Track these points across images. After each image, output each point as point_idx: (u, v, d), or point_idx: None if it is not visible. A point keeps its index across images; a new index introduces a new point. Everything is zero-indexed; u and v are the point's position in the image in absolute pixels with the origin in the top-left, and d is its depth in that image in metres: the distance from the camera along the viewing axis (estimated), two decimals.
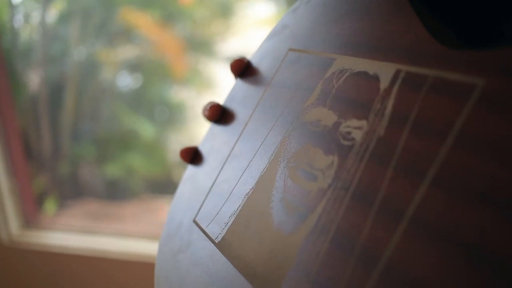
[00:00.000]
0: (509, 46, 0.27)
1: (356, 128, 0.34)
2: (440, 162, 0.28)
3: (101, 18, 1.61)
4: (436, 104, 0.30)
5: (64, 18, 1.63)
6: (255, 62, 0.50)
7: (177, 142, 1.68)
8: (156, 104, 1.68)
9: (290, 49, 0.45)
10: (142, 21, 1.59)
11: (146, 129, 1.62)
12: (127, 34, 1.63)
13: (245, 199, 0.41)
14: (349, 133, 0.35)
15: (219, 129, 0.50)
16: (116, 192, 1.69)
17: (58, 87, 1.64)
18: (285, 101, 0.43)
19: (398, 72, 0.33)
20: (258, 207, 0.39)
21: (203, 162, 0.50)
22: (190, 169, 0.52)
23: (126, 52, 1.66)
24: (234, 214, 0.42)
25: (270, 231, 0.37)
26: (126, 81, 1.70)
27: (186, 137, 1.68)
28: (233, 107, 0.50)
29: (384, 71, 0.34)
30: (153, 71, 1.66)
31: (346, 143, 0.35)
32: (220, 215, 0.43)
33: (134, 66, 1.66)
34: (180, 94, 1.68)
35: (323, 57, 0.41)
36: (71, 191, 1.70)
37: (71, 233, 1.54)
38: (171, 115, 1.70)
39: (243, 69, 0.51)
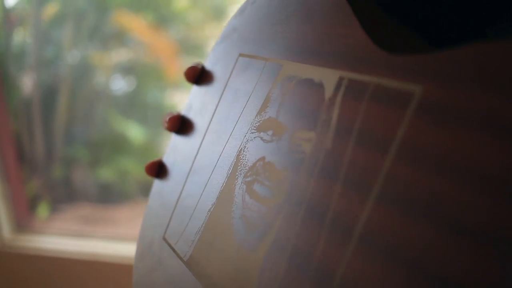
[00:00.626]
0: (447, 48, 0.26)
1: (305, 140, 0.33)
2: (384, 176, 0.27)
3: (94, 21, 1.60)
4: (378, 114, 0.29)
5: (57, 21, 1.63)
6: (209, 67, 0.48)
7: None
8: (149, 107, 1.67)
9: (240, 54, 0.44)
10: (135, 24, 1.59)
11: (135, 133, 1.61)
12: (120, 37, 1.62)
13: (208, 216, 0.40)
14: (299, 145, 0.33)
15: (180, 140, 0.48)
16: (109, 195, 1.69)
17: (51, 90, 1.64)
18: (238, 111, 0.41)
19: (341, 79, 0.32)
20: (220, 224, 0.38)
21: (168, 176, 0.48)
22: (157, 183, 0.50)
23: (120, 55, 1.66)
24: (199, 231, 0.40)
25: (233, 249, 0.36)
26: (120, 85, 1.69)
27: None
28: (191, 116, 0.48)
29: (328, 78, 0.33)
30: (146, 75, 1.66)
31: (297, 156, 0.33)
32: (187, 232, 0.42)
33: (127, 70, 1.66)
34: (174, 97, 1.68)
35: (271, 63, 0.39)
36: (64, 194, 1.70)
37: (64, 237, 1.53)
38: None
39: (197, 76, 0.49)
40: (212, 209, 0.40)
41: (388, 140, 0.27)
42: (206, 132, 0.45)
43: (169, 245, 0.44)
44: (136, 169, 1.64)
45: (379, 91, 0.29)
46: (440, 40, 0.36)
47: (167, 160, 0.49)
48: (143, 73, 1.66)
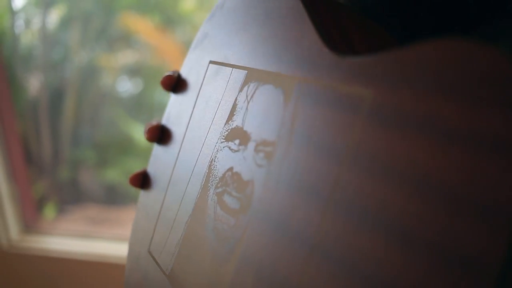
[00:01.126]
0: (395, 49, 0.25)
1: (267, 149, 0.33)
2: (338, 185, 0.26)
3: (101, 23, 1.60)
4: (332, 120, 0.28)
5: (64, 23, 1.63)
6: (184, 75, 0.47)
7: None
8: (155, 109, 1.67)
9: (211, 62, 0.43)
10: (142, 26, 1.59)
11: (141, 135, 1.61)
12: (127, 39, 1.63)
13: (185, 228, 0.39)
14: (262, 154, 0.33)
15: (160, 150, 0.48)
16: (115, 196, 1.69)
17: (58, 92, 1.64)
18: (209, 119, 0.41)
19: (298, 85, 0.32)
20: (196, 236, 0.38)
21: (152, 187, 0.47)
22: (142, 195, 0.49)
23: (126, 57, 1.66)
24: (178, 243, 0.40)
25: (207, 262, 0.36)
26: (126, 86, 1.69)
27: None
28: (170, 126, 0.47)
29: (286, 85, 0.33)
30: (152, 76, 1.66)
31: (260, 165, 0.33)
32: (168, 245, 0.41)
33: (134, 71, 1.66)
34: None
35: (237, 70, 0.39)
36: (71, 196, 1.70)
37: (70, 238, 1.53)
38: None
39: (174, 84, 0.48)
40: (188, 221, 0.39)
41: (342, 147, 0.27)
42: (182, 142, 0.44)
43: (154, 258, 0.43)
44: None
45: (332, 96, 0.28)
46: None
47: (151, 170, 0.48)
48: (150, 75, 1.66)
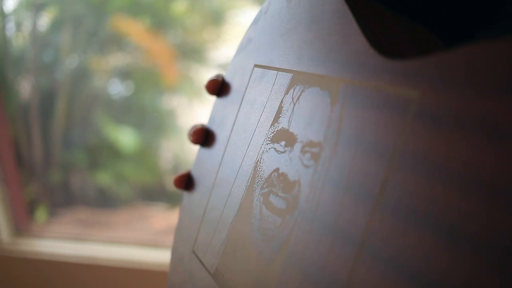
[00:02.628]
0: (444, 51, 0.26)
1: (314, 150, 0.33)
2: (386, 185, 0.27)
3: (92, 26, 1.60)
4: (379, 121, 0.28)
5: (55, 26, 1.63)
6: (228, 79, 0.48)
7: (168, 150, 1.68)
8: (147, 112, 1.67)
9: (255, 65, 0.44)
10: (133, 28, 1.59)
11: (127, 140, 1.61)
12: (118, 42, 1.62)
13: (230, 228, 0.40)
14: (308, 155, 0.34)
15: (204, 153, 0.49)
16: (107, 199, 1.69)
17: (50, 95, 1.64)
18: (255, 122, 0.41)
19: (344, 87, 0.32)
20: (241, 236, 0.39)
21: (195, 189, 0.48)
22: (186, 196, 0.50)
23: (117, 60, 1.66)
24: (223, 243, 0.41)
25: (252, 261, 0.36)
26: (118, 89, 1.69)
27: (177, 144, 1.67)
28: (214, 129, 0.48)
29: (333, 87, 0.33)
30: (144, 79, 1.65)
31: (307, 167, 0.33)
32: (213, 245, 0.42)
33: (125, 74, 1.65)
34: (171, 101, 1.68)
35: (282, 73, 0.40)
36: (62, 198, 1.69)
37: (62, 241, 1.53)
38: (162, 123, 1.69)
39: (218, 88, 0.49)
40: (233, 221, 0.40)
41: (389, 147, 0.27)
42: (227, 144, 0.45)
43: (198, 258, 0.44)
44: (133, 173, 1.65)
45: (379, 98, 0.29)
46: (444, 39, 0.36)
47: (195, 172, 0.50)
48: (141, 77, 1.66)
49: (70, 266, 1.44)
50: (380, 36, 0.33)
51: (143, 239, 1.48)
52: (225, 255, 0.40)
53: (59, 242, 1.52)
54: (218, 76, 0.49)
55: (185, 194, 0.50)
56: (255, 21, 0.46)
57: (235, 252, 0.39)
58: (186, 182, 0.50)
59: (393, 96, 0.28)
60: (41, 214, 1.67)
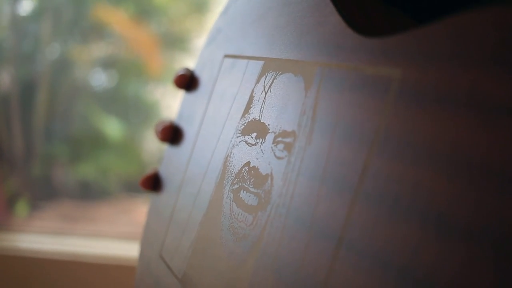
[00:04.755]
0: (422, 26, 0.24)
1: (287, 140, 0.31)
2: (366, 172, 0.25)
3: (73, 15, 1.58)
4: (359, 104, 0.26)
5: (35, 15, 1.60)
6: (197, 73, 0.46)
7: (152, 141, 1.66)
8: (131, 103, 1.66)
9: (226, 55, 0.42)
10: (115, 17, 1.57)
11: (113, 130, 1.59)
12: (100, 31, 1.60)
13: (199, 229, 0.38)
14: (281, 146, 0.32)
15: (172, 151, 0.46)
16: (90, 192, 1.67)
17: (30, 85, 1.61)
18: (225, 115, 0.39)
19: (320, 71, 0.30)
20: (210, 236, 0.36)
21: (163, 189, 0.46)
22: (153, 198, 0.48)
23: (100, 49, 1.64)
24: (191, 245, 0.38)
25: (223, 263, 0.34)
26: (100, 79, 1.68)
27: None
28: (183, 125, 0.46)
29: (307, 71, 0.31)
30: (127, 69, 1.64)
31: (279, 157, 0.31)
32: (181, 248, 0.40)
33: (108, 64, 1.64)
34: (156, 92, 1.66)
35: (253, 62, 0.38)
36: (44, 192, 1.67)
37: (44, 236, 1.51)
38: (147, 114, 1.67)
39: (187, 82, 0.47)
40: (202, 221, 0.38)
41: (369, 131, 0.25)
42: (196, 141, 0.43)
43: (165, 262, 0.42)
44: (117, 165, 1.63)
45: (358, 79, 0.27)
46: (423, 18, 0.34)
47: (162, 172, 0.47)
48: (124, 68, 1.64)
49: (53, 263, 1.42)
50: (358, 18, 0.31)
51: (127, 233, 1.47)
52: (193, 258, 0.38)
53: (41, 237, 1.51)
54: (186, 70, 0.47)
55: (152, 196, 0.48)
56: (225, 11, 0.44)
57: (204, 254, 0.37)
58: (154, 182, 0.47)
59: (373, 76, 0.26)
60: (21, 208, 1.65)
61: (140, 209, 1.60)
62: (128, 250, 1.39)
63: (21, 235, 1.52)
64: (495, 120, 0.19)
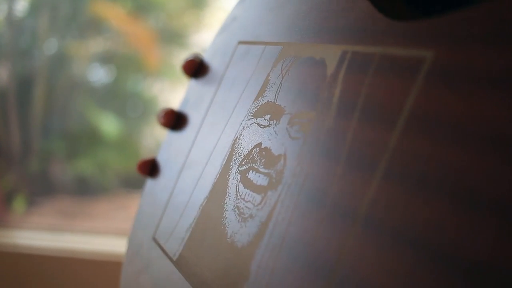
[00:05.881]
0: (457, 11, 0.24)
1: (305, 121, 0.31)
2: (391, 152, 0.24)
3: (71, 10, 1.58)
4: (384, 85, 0.26)
5: (32, 10, 1.60)
6: (207, 60, 0.46)
7: (150, 136, 1.66)
8: (129, 98, 1.65)
9: (240, 42, 0.41)
10: (113, 12, 1.57)
11: (109, 126, 1.59)
12: (97, 27, 1.60)
13: (199, 211, 0.37)
14: (298, 127, 0.31)
15: (174, 136, 0.46)
16: (88, 188, 1.67)
17: (27, 81, 1.60)
18: (235, 99, 0.39)
19: (344, 53, 0.30)
20: (212, 218, 0.36)
21: (161, 174, 0.46)
22: (149, 183, 0.48)
23: (97, 45, 1.64)
24: (190, 227, 0.38)
25: (224, 244, 0.33)
26: (98, 75, 1.67)
27: (159, 131, 1.65)
28: (187, 111, 0.46)
29: (330, 54, 0.31)
30: (125, 65, 1.64)
31: (295, 138, 0.31)
32: (177, 230, 0.39)
33: (106, 59, 1.64)
34: (154, 87, 1.66)
35: (270, 47, 0.37)
36: (41, 188, 1.67)
37: (41, 232, 1.50)
38: (145, 109, 1.67)
39: (196, 69, 0.47)
40: (204, 203, 0.37)
41: (396, 111, 0.25)
42: (201, 125, 0.42)
43: (159, 245, 0.41)
44: (114, 161, 1.62)
45: (386, 61, 0.26)
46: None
47: (161, 157, 0.47)
48: (122, 63, 1.64)
49: (50, 259, 1.42)
50: (385, 4, 0.30)
51: (124, 229, 1.47)
52: (191, 240, 0.37)
53: (38, 233, 1.51)
54: (196, 56, 0.47)
55: (148, 181, 0.48)
56: (242, 0, 0.44)
57: (203, 235, 0.36)
58: (151, 168, 0.47)
59: (403, 58, 0.25)
60: (19, 204, 1.64)
61: (138, 205, 1.60)
62: (125, 246, 1.39)
63: (19, 231, 1.52)
64: None
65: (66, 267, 1.41)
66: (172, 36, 1.59)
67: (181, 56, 1.58)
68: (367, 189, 0.25)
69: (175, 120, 0.47)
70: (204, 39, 1.54)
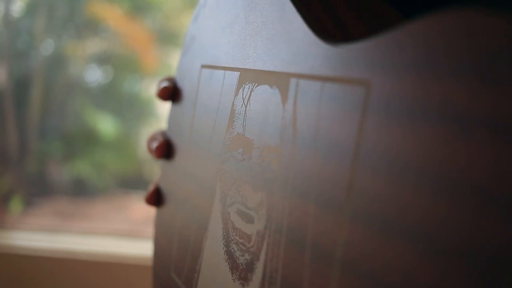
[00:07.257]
0: (393, 30, 0.22)
1: (273, 156, 0.30)
2: (352, 190, 0.23)
3: (68, 11, 1.57)
4: (334, 117, 0.25)
5: (29, 10, 1.59)
6: (179, 83, 0.45)
7: (147, 137, 1.66)
8: (126, 99, 1.65)
9: (203, 66, 0.41)
10: (110, 13, 1.57)
11: (107, 127, 1.58)
12: (95, 27, 1.60)
13: (204, 249, 0.37)
14: (268, 162, 0.30)
15: (168, 167, 0.46)
16: (85, 189, 1.67)
17: (24, 82, 1.60)
18: (210, 129, 0.38)
19: (293, 82, 0.29)
20: (214, 257, 0.36)
21: (166, 204, 0.46)
22: (158, 212, 0.47)
23: (95, 45, 1.63)
24: (199, 267, 0.38)
25: (230, 284, 0.33)
26: (95, 76, 1.67)
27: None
28: (173, 139, 0.45)
29: (281, 83, 0.30)
30: (122, 65, 1.63)
31: (268, 175, 0.30)
32: (189, 268, 0.39)
33: (103, 60, 1.63)
34: (151, 88, 1.66)
35: (230, 72, 0.36)
36: (38, 189, 1.66)
37: (38, 233, 1.50)
38: (142, 110, 1.66)
39: (171, 94, 0.46)
40: (205, 241, 0.37)
41: (347, 146, 0.24)
42: (188, 154, 0.42)
43: (176, 284, 0.41)
44: (112, 162, 1.62)
45: (330, 90, 0.26)
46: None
47: (162, 186, 0.47)
48: (119, 63, 1.64)
49: (47, 260, 1.41)
50: (324, 19, 0.30)
51: (122, 230, 1.46)
52: (202, 279, 0.37)
53: (36, 234, 1.50)
54: (168, 81, 0.46)
55: (157, 211, 0.47)
56: (195, 17, 0.43)
57: (211, 275, 0.36)
58: (156, 198, 0.47)
59: (343, 87, 0.25)
60: (16, 205, 1.63)
61: (135, 206, 1.60)
62: (123, 247, 1.39)
63: (16, 232, 1.51)
64: (470, 133, 0.18)
65: (63, 268, 1.41)
66: (169, 37, 1.59)
67: (178, 57, 1.58)
68: (338, 231, 0.24)
69: (166, 150, 0.46)
70: None
